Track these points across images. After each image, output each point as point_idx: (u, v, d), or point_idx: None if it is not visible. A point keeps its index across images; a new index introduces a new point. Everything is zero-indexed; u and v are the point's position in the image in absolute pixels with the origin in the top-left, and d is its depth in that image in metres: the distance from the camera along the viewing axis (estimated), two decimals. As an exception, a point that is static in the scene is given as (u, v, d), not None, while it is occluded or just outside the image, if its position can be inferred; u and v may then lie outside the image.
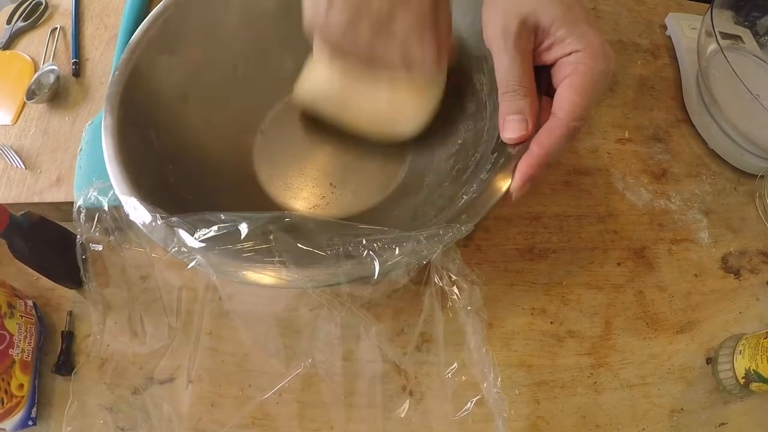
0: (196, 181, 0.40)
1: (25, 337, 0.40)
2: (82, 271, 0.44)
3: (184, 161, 0.40)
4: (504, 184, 0.32)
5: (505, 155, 0.33)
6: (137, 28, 0.50)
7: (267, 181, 0.45)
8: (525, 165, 0.31)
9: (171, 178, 0.38)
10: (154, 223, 0.30)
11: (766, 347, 0.37)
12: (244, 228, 0.29)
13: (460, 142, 0.42)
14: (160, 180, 0.37)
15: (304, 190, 0.45)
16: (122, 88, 0.38)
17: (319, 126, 0.45)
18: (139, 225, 0.31)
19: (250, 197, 0.44)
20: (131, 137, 0.37)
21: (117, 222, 0.47)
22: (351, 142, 0.45)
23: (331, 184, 0.45)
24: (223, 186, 0.42)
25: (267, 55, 0.47)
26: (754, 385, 0.38)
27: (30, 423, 0.39)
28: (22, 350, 0.39)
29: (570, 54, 0.31)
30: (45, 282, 0.44)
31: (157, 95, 0.41)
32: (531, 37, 0.32)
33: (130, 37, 0.49)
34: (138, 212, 0.32)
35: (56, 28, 0.53)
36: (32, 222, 0.40)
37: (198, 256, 0.29)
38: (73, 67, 0.50)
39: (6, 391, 0.37)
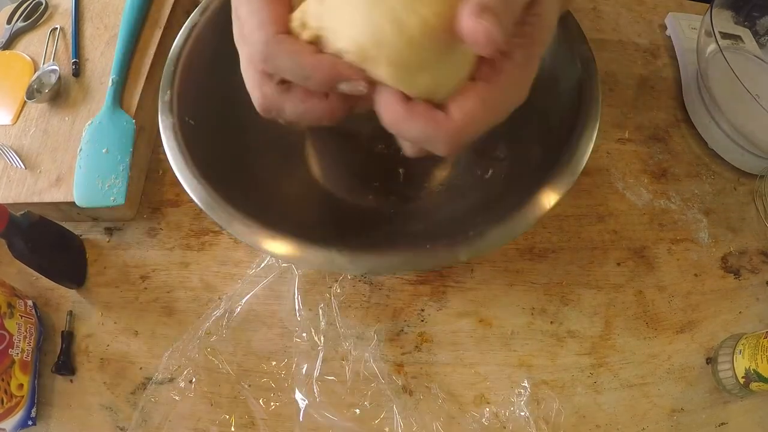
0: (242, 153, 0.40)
1: (25, 337, 0.40)
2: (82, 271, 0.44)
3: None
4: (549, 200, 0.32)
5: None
6: (137, 28, 0.51)
7: (313, 163, 0.44)
8: None
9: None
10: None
11: (765, 347, 0.37)
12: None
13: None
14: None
15: (354, 182, 0.44)
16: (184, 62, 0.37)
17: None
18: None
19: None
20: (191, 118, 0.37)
21: (117, 222, 0.47)
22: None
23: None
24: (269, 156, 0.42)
25: None
26: (753, 385, 0.38)
27: (30, 423, 0.39)
28: (22, 350, 0.39)
29: None
30: (45, 282, 0.44)
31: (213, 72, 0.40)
32: None
33: (130, 37, 0.50)
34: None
35: (56, 28, 0.53)
36: (32, 222, 0.40)
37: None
38: (73, 67, 0.50)
39: (5, 391, 0.37)
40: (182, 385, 0.40)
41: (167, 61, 0.38)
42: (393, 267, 0.30)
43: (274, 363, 0.41)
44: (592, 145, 0.34)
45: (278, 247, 0.31)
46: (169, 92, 0.36)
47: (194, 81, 0.38)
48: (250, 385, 0.40)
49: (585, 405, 0.40)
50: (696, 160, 0.52)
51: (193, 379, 0.40)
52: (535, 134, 0.39)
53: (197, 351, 0.41)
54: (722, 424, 0.40)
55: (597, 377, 0.41)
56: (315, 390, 0.40)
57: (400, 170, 0.44)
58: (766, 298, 0.45)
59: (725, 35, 0.53)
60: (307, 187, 0.43)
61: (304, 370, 0.40)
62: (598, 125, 0.35)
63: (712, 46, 0.48)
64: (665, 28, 0.59)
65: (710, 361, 0.42)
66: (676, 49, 0.57)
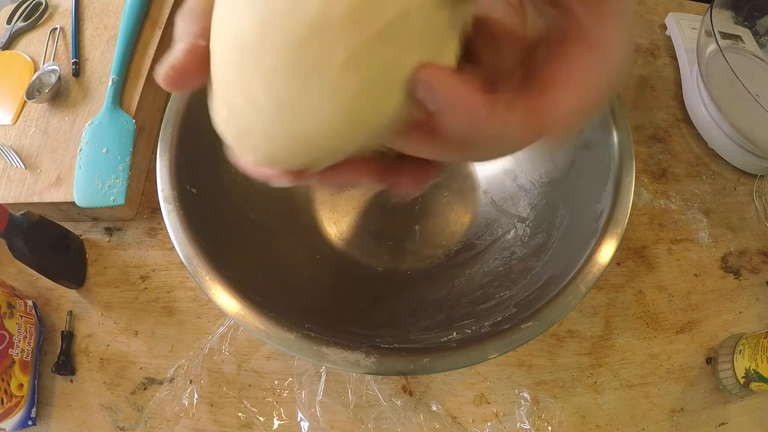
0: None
1: (25, 337, 0.40)
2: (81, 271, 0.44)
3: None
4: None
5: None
6: (137, 28, 0.51)
7: (327, 222, 0.43)
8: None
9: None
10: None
11: (766, 347, 0.37)
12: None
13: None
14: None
15: (368, 241, 0.42)
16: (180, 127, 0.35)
17: None
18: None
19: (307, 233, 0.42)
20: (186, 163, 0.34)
21: (117, 222, 0.47)
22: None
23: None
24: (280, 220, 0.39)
25: None
26: (754, 385, 0.38)
27: (30, 423, 0.39)
28: (22, 350, 0.39)
29: None
30: (45, 282, 0.44)
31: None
32: None
33: (130, 37, 0.50)
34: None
35: (56, 28, 0.53)
36: (32, 222, 0.40)
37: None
38: (73, 67, 0.50)
39: (5, 391, 0.37)
40: (182, 385, 0.40)
41: (164, 121, 0.35)
42: (420, 370, 0.29)
43: (273, 363, 0.41)
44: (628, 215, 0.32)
45: (298, 348, 0.29)
46: (167, 157, 0.33)
47: (193, 142, 0.35)
48: (250, 385, 0.40)
49: (585, 405, 0.40)
50: (696, 160, 0.52)
51: (193, 379, 0.40)
52: (560, 196, 0.38)
53: (197, 351, 0.41)
54: (722, 424, 0.40)
55: (597, 377, 0.41)
56: (317, 412, 0.39)
57: (416, 227, 0.43)
58: (766, 298, 0.45)
59: (725, 35, 0.53)
60: (318, 254, 0.41)
61: (306, 392, 0.40)
62: (633, 183, 0.33)
63: (712, 46, 0.48)
64: (665, 28, 0.59)
65: (710, 361, 0.42)
66: (676, 49, 0.57)
